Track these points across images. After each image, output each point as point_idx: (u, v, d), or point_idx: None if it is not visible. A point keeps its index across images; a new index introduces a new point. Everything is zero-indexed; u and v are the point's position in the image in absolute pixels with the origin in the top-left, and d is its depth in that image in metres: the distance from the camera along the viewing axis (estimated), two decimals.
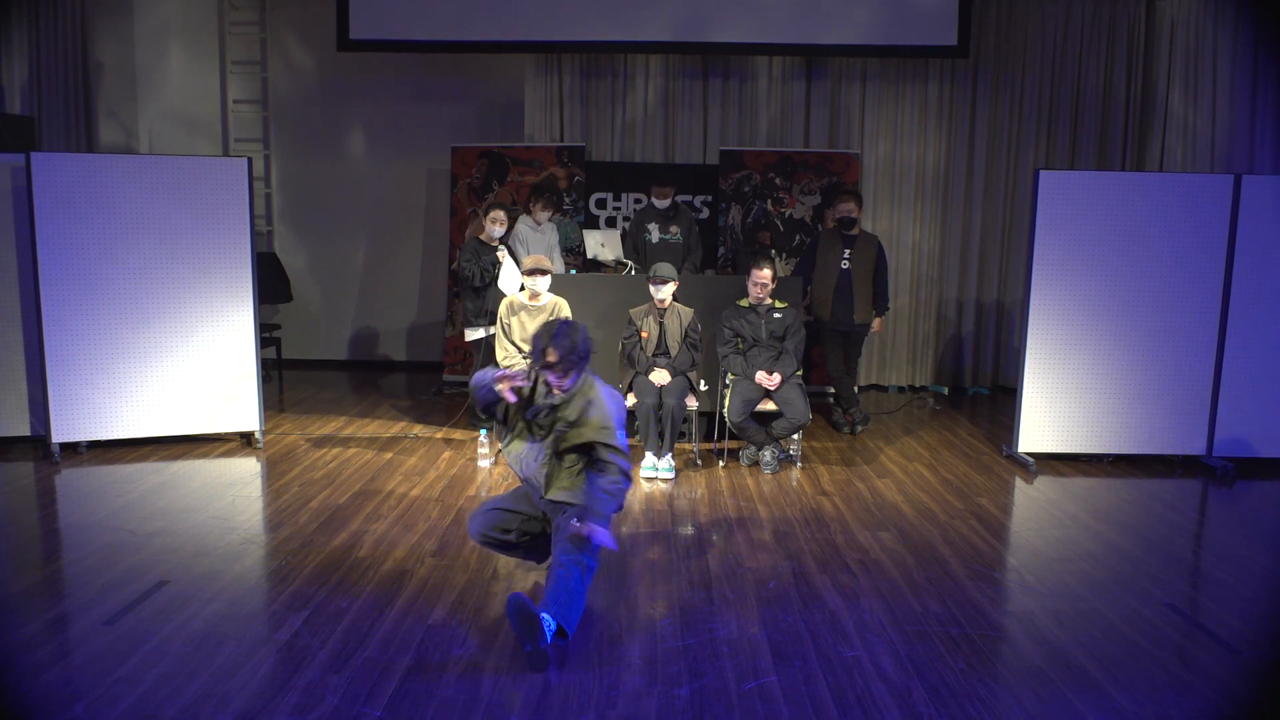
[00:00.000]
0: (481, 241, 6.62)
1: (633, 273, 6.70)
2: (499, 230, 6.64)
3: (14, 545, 4.43)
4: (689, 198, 8.30)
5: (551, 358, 3.60)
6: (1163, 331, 5.94)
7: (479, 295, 6.58)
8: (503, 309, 5.93)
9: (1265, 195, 5.83)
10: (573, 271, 7.17)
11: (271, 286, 8.37)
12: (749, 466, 5.94)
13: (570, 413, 3.70)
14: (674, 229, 7.09)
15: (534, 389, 3.80)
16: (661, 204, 7.07)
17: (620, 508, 3.79)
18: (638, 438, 5.76)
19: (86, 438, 5.88)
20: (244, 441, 6.27)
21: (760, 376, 5.79)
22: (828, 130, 8.47)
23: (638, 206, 8.33)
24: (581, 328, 3.72)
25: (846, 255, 6.77)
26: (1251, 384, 5.96)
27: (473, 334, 6.71)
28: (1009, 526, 4.97)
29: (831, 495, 5.39)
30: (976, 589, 4.08)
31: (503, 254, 6.48)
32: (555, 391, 3.71)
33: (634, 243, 7.14)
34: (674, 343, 5.87)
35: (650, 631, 3.61)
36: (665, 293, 5.83)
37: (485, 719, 2.99)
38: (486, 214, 6.68)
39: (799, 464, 5.98)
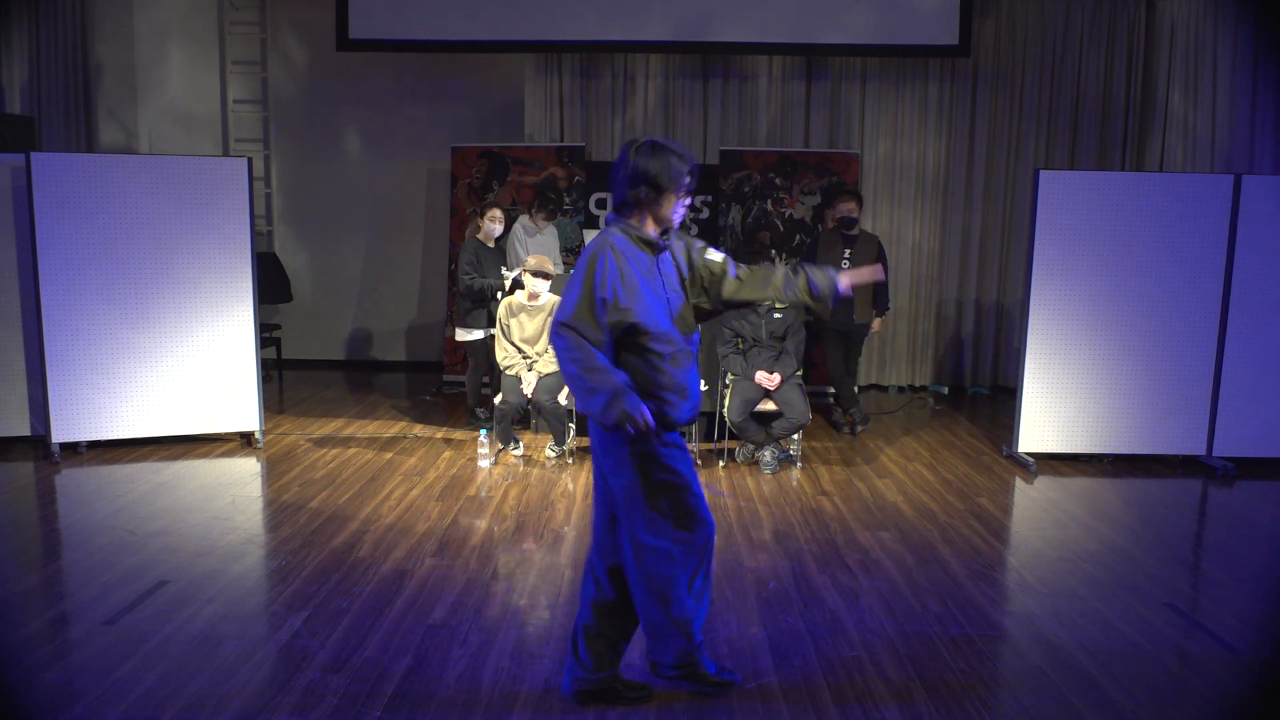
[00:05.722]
0: (480, 242, 6.61)
1: None
2: (498, 228, 6.64)
3: (14, 545, 4.43)
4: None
5: None
6: (1163, 331, 5.93)
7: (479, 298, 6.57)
8: (502, 310, 5.93)
9: (1265, 195, 5.82)
10: (573, 272, 7.16)
11: (271, 286, 8.36)
12: (747, 465, 5.94)
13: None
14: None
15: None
16: None
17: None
18: None
19: (86, 438, 5.88)
20: (244, 441, 6.26)
21: (760, 377, 5.78)
22: (828, 130, 8.46)
23: None
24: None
25: (847, 255, 6.77)
26: (1251, 384, 5.95)
27: (465, 335, 6.67)
28: (1009, 526, 4.97)
29: (831, 495, 5.38)
30: (976, 589, 4.07)
31: (508, 277, 6.47)
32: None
33: None
34: None
35: None
36: None
37: (485, 719, 2.99)
38: (484, 214, 6.66)
39: (799, 464, 5.98)
